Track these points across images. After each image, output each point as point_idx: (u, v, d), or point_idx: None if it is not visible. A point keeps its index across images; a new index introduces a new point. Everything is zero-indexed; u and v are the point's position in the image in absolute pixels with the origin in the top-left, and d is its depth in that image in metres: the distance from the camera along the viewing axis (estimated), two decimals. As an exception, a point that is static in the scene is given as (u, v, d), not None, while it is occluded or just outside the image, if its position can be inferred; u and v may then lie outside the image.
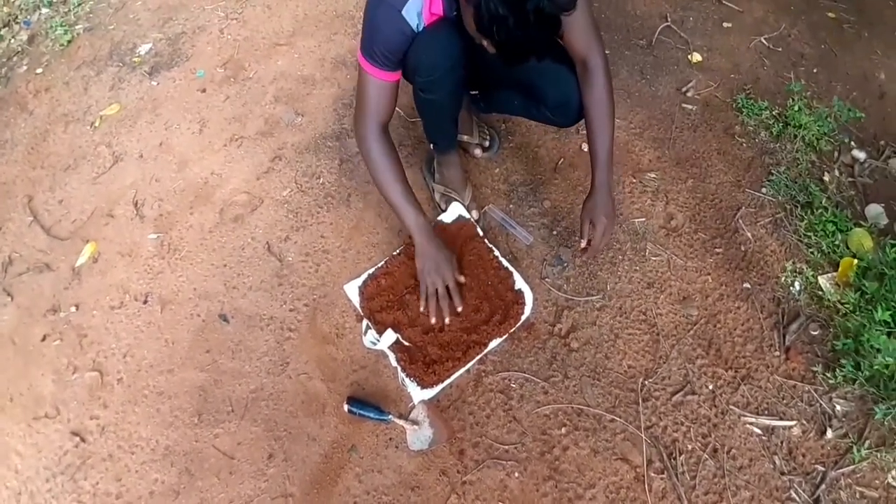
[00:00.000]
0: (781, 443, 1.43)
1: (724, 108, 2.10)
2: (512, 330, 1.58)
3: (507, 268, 1.67)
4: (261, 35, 2.45)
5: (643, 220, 1.80)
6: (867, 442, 1.41)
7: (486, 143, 1.96)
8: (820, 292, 1.63)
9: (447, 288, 1.57)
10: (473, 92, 1.84)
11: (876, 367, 1.42)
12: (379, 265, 1.71)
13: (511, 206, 1.85)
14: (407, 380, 1.52)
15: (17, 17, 2.71)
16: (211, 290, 1.75)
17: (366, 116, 1.44)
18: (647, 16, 2.43)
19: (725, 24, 2.40)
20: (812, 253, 1.71)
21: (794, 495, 1.37)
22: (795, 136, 1.97)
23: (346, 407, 1.48)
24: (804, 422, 1.46)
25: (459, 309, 1.58)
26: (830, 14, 2.45)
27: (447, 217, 1.77)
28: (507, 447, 1.44)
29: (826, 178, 1.88)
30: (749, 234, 1.77)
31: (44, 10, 2.72)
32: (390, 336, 1.56)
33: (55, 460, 1.52)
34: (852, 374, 1.46)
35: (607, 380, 1.53)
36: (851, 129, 2.03)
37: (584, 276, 1.70)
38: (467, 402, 1.51)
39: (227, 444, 1.50)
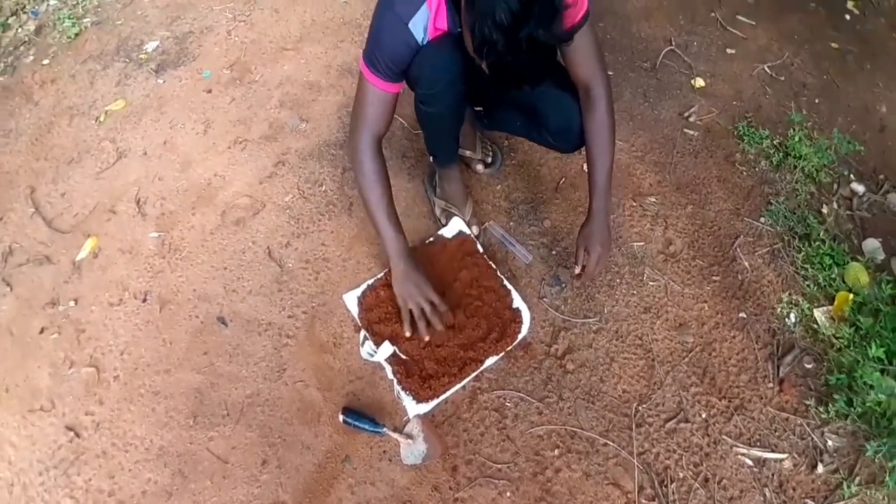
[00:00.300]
0: (772, 475, 1.44)
1: (726, 134, 2.12)
2: (508, 348, 1.58)
3: (505, 286, 1.68)
4: (268, 38, 2.46)
5: (642, 244, 1.82)
6: (857, 478, 1.42)
7: (489, 160, 1.97)
8: (815, 325, 1.65)
9: (432, 304, 1.55)
10: (478, 108, 1.85)
11: (868, 403, 1.44)
12: (378, 276, 1.71)
13: (511, 223, 1.86)
14: (403, 393, 1.52)
15: (24, 6, 2.70)
16: (210, 292, 1.75)
17: (362, 127, 1.45)
18: (652, 38, 2.45)
19: (729, 51, 2.42)
20: (808, 285, 1.72)
21: (783, 529, 1.39)
22: (795, 167, 1.99)
23: (341, 417, 1.48)
24: (795, 455, 1.47)
25: (448, 319, 1.57)
26: (833, 44, 2.48)
27: (447, 232, 1.78)
28: (499, 466, 1.45)
29: (825, 210, 1.90)
30: (746, 264, 1.78)
31: (52, 2, 2.71)
32: (387, 348, 1.57)
33: (49, 454, 1.52)
34: (845, 410, 1.47)
35: (601, 403, 1.54)
36: (851, 161, 2.06)
37: (581, 297, 1.71)
38: (462, 419, 1.51)
39: (222, 448, 1.50)
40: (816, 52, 2.44)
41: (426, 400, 1.50)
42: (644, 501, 1.40)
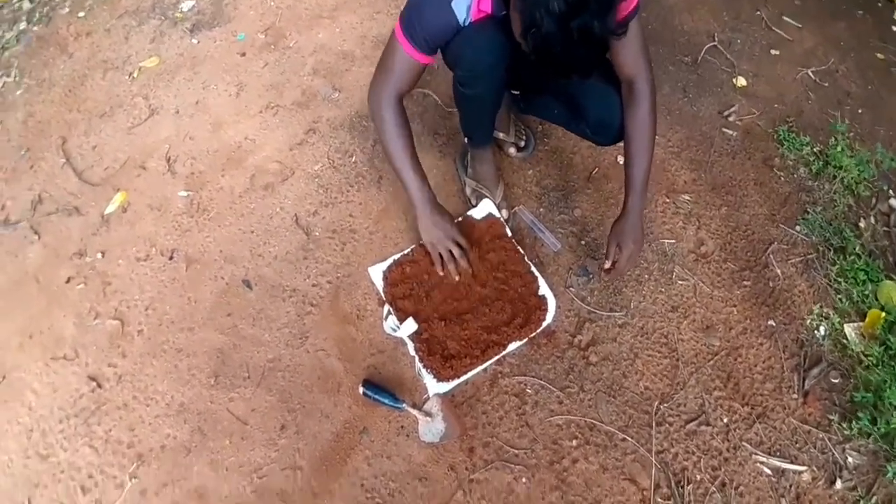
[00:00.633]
0: (790, 486, 1.43)
1: (765, 137, 2.08)
2: (532, 335, 1.57)
3: (532, 272, 1.66)
4: (304, 5, 2.43)
5: (673, 241, 1.79)
6: (874, 498, 1.40)
7: (522, 143, 1.94)
8: (844, 340, 1.62)
9: (459, 247, 1.59)
10: (514, 91, 1.82)
11: (893, 424, 1.42)
12: (405, 252, 1.70)
13: (541, 209, 1.84)
14: (424, 371, 1.52)
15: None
16: (237, 254, 1.75)
17: (387, 82, 1.42)
18: (695, 32, 2.40)
19: (773, 52, 2.38)
20: (840, 300, 1.69)
21: (797, 542, 1.38)
22: (835, 177, 1.96)
23: (361, 389, 1.49)
24: (815, 469, 1.45)
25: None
26: (879, 55, 2.43)
27: (477, 213, 1.76)
28: (517, 451, 1.45)
29: (862, 224, 1.87)
30: (779, 271, 1.76)
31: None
32: (411, 325, 1.56)
33: (70, 402, 1.53)
34: (868, 429, 1.45)
35: (623, 398, 1.53)
36: (891, 177, 2.02)
37: (608, 290, 1.70)
38: (481, 401, 1.51)
39: (242, 410, 1.50)
40: (862, 61, 2.39)
41: (447, 379, 1.50)
42: (659, 500, 1.39)
